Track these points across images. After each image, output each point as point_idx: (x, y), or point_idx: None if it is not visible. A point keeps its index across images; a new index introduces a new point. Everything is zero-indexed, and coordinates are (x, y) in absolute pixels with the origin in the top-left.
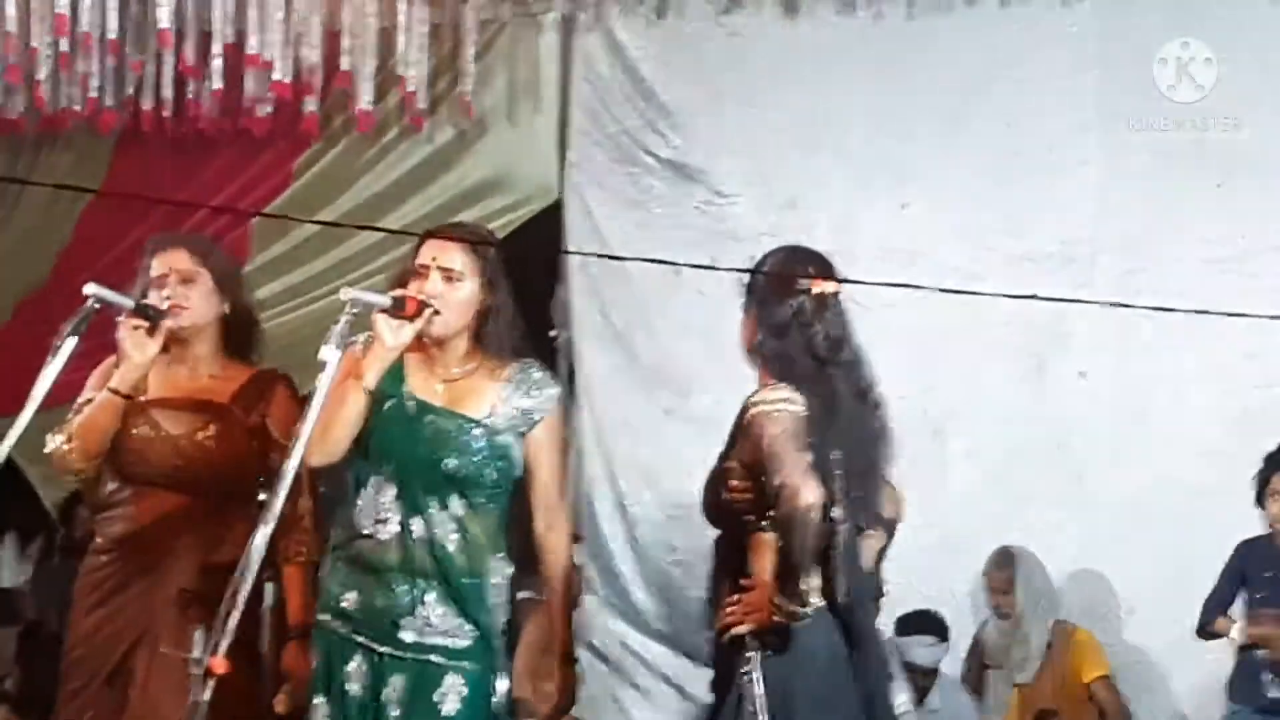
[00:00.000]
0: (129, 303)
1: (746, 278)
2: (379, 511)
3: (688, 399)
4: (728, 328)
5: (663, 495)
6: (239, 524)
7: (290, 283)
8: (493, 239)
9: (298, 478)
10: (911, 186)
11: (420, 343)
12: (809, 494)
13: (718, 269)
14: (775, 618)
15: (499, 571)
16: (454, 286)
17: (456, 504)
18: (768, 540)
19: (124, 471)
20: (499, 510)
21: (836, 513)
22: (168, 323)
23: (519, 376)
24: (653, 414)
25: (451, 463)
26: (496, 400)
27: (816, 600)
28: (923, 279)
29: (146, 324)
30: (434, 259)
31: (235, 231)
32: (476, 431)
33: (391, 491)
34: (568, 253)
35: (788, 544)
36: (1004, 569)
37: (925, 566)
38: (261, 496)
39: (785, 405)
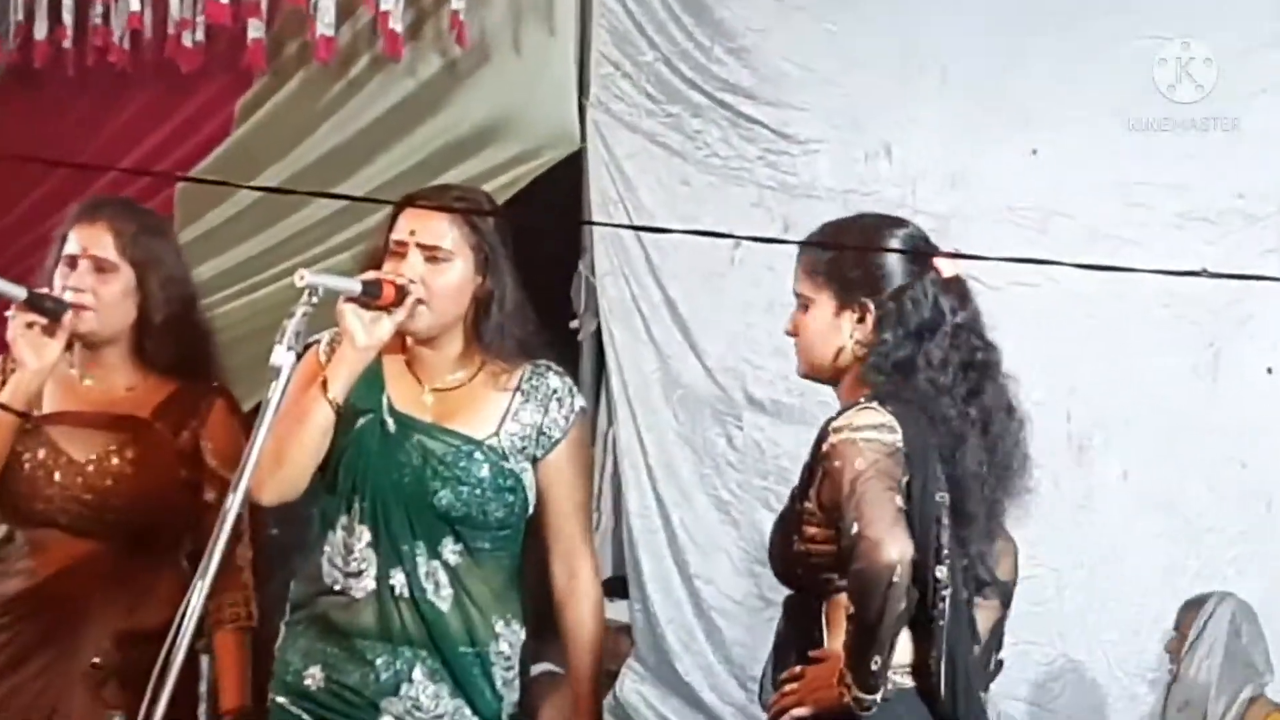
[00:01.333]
0: (19, 293)
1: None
2: (350, 561)
3: (754, 410)
4: None
5: (726, 536)
6: (166, 578)
7: (227, 264)
8: (491, 205)
9: (239, 518)
10: (1040, 128)
11: (401, 342)
12: (892, 549)
13: (790, 241)
14: (845, 700)
15: (508, 638)
16: (440, 268)
17: (451, 551)
18: (846, 605)
19: (16, 511)
20: (508, 558)
21: (940, 572)
22: (72, 323)
23: (531, 383)
24: (709, 429)
25: (445, 497)
26: (502, 415)
27: (902, 680)
28: (1059, 249)
29: (45, 319)
30: (413, 233)
31: (158, 196)
32: (477, 456)
33: (366, 535)
34: (590, 223)
35: (860, 611)
36: (1186, 622)
37: (1068, 620)
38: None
39: (876, 434)
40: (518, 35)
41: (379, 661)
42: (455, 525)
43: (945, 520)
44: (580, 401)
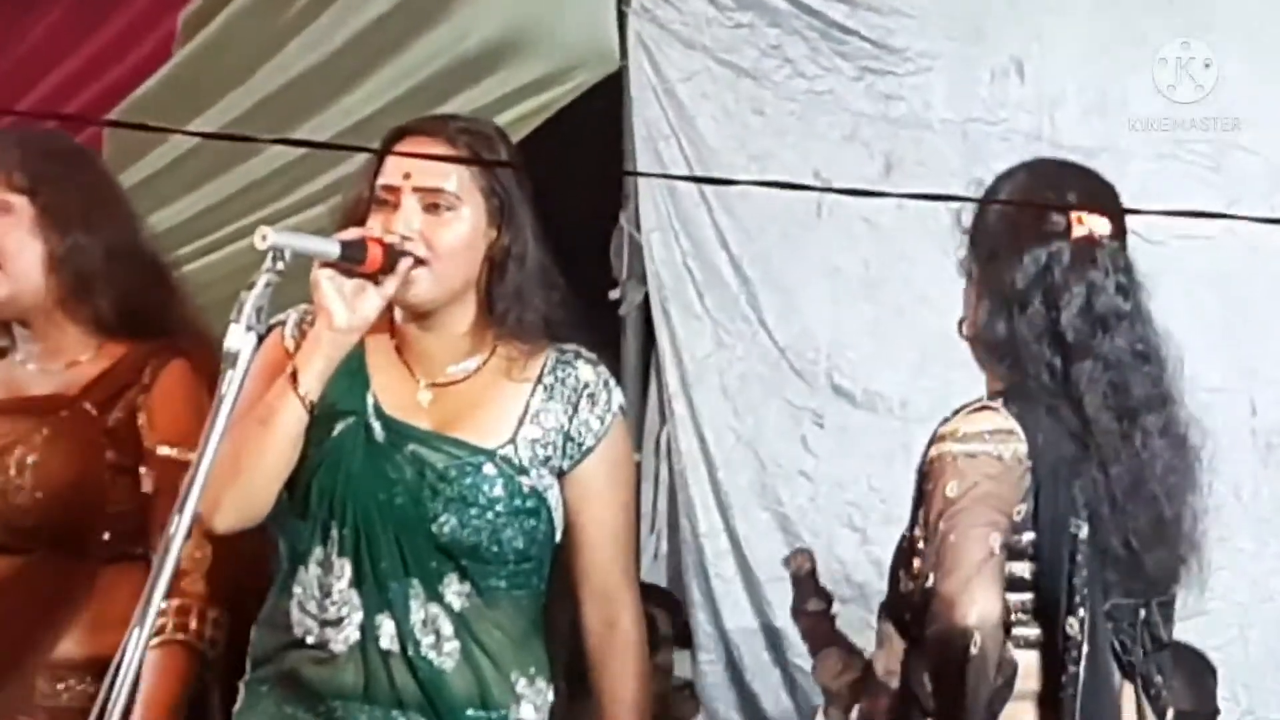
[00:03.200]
0: None
1: (951, 208)
2: (327, 606)
3: (842, 403)
4: (920, 285)
5: (825, 571)
6: (99, 595)
7: (171, 219)
8: (505, 141)
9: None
10: (1218, 33)
11: (389, 321)
12: (970, 609)
13: (891, 194)
14: None
15: (532, 700)
16: (444, 218)
17: (456, 592)
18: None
19: None
20: (528, 597)
21: (1072, 627)
22: None
23: (555, 375)
24: (792, 426)
25: (448, 524)
26: (520, 416)
27: None
28: (1239, 193)
29: None
30: (408, 175)
31: (81, 134)
32: (488, 470)
33: (347, 572)
34: (633, 173)
35: (938, 686)
36: None
37: (1254, 670)
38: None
39: (984, 444)
40: None
41: None
42: (461, 560)
43: (1081, 558)
44: (618, 398)
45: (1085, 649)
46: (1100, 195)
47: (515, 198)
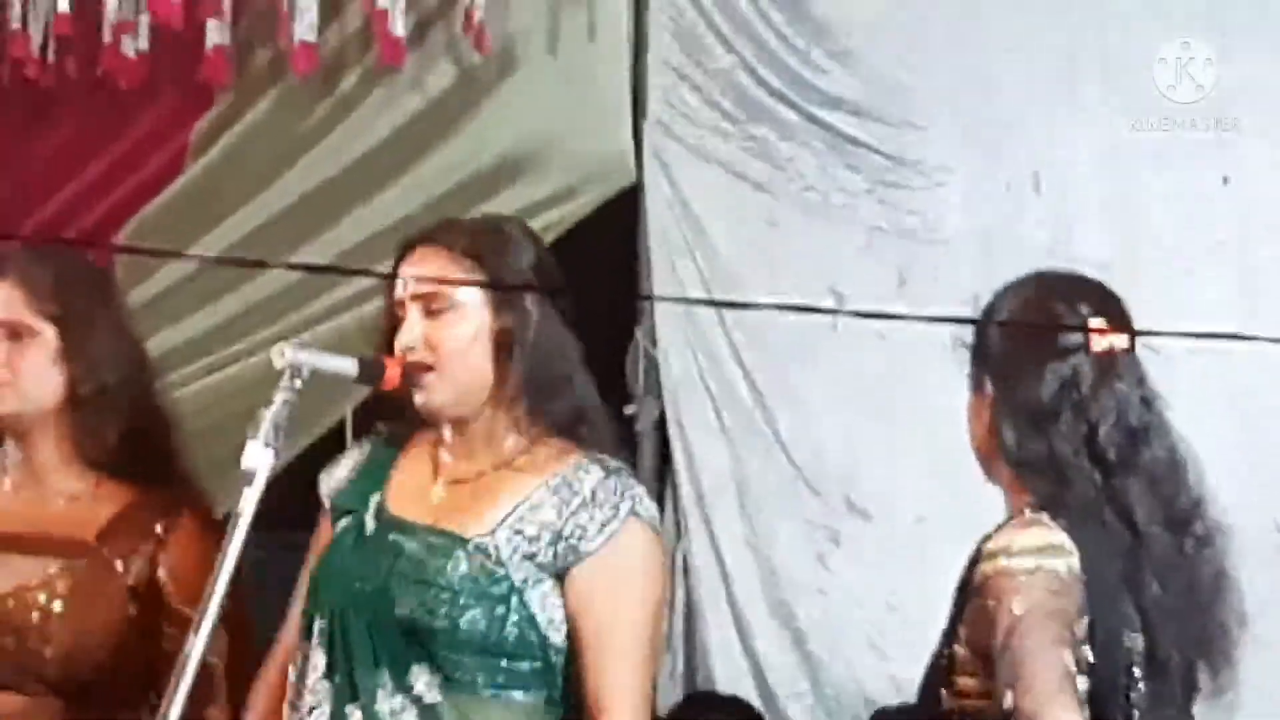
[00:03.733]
0: None
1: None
2: (305, 696)
3: (858, 520)
4: (934, 400)
5: (807, 683)
6: None
7: (183, 335)
8: (526, 231)
9: (210, 672)
10: (1236, 149)
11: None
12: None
13: (907, 318)
14: None
15: None
16: (444, 321)
17: (425, 683)
18: None
19: None
20: (531, 708)
21: None
22: None
23: (568, 475)
24: (811, 547)
25: (407, 604)
26: (511, 509)
27: None
28: (1260, 308)
29: None
30: (406, 285)
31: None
32: (457, 554)
33: (321, 663)
34: (650, 298)
35: None
36: None
37: None
38: None
39: (1041, 559)
40: (553, 37)
41: None
42: (427, 645)
43: (1139, 671)
44: (630, 505)
45: None
46: (1112, 307)
47: (519, 276)
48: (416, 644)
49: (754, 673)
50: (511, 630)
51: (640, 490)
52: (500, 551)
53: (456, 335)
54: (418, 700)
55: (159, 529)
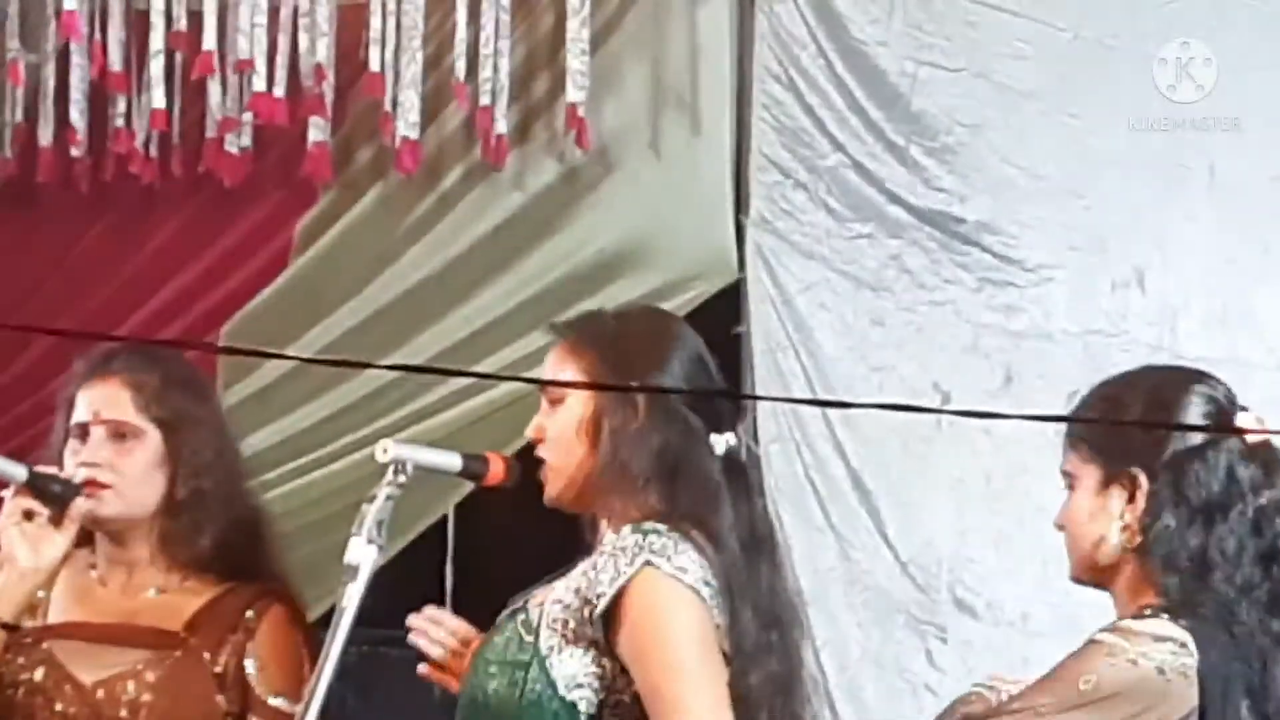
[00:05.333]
0: (18, 472)
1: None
2: None
3: (965, 617)
4: (1041, 497)
5: None
6: None
7: (284, 432)
8: (663, 324)
9: None
10: None
11: None
12: None
13: (1014, 416)
14: None
15: None
16: (555, 413)
17: None
18: None
19: None
20: None
21: None
22: (82, 506)
23: (614, 543)
24: (916, 640)
25: (468, 684)
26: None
27: None
28: None
29: (49, 508)
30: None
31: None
32: (508, 628)
33: None
34: (753, 397)
35: None
36: None
37: None
38: None
39: (1147, 649)
40: (655, 134)
41: None
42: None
43: None
44: (645, 558)
45: None
46: (1232, 399)
47: (634, 373)
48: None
49: None
50: (531, 694)
51: (670, 547)
52: (534, 620)
53: (562, 426)
54: None
55: (247, 618)
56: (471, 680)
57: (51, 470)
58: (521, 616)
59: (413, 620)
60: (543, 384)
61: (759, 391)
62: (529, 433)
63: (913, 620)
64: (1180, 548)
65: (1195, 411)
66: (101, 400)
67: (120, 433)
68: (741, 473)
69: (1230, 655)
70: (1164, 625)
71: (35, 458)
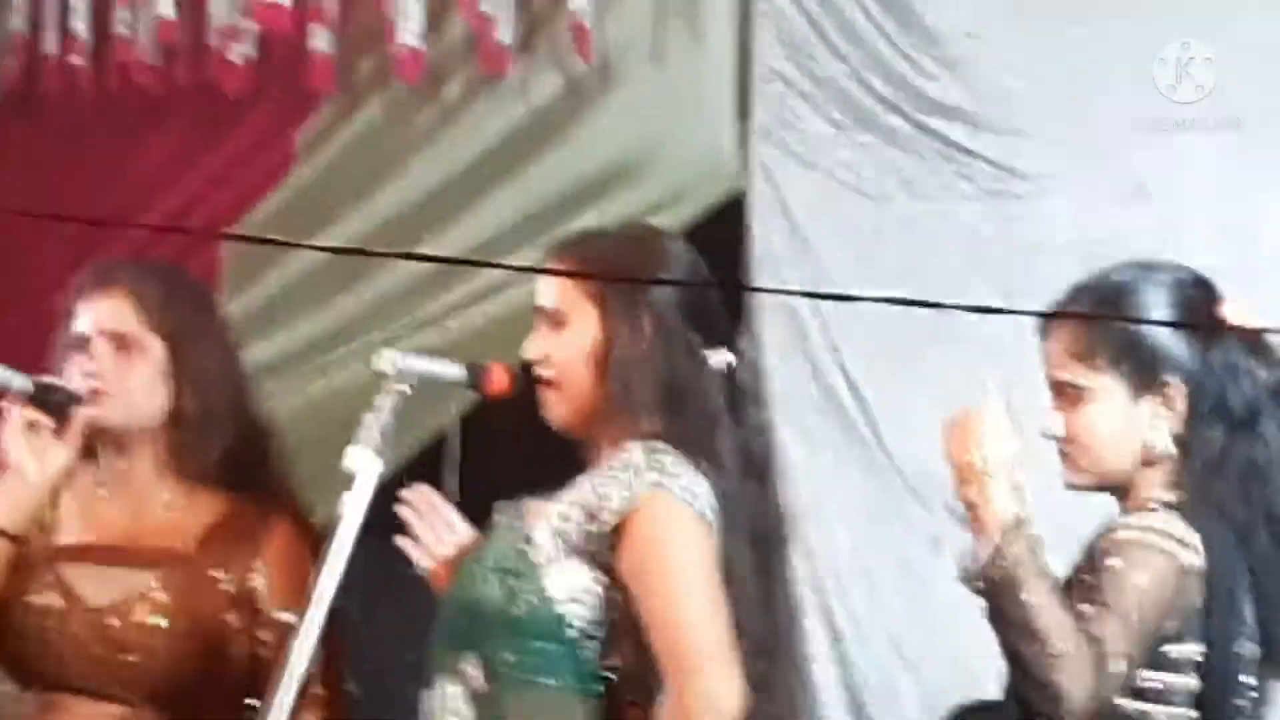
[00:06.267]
0: (22, 383)
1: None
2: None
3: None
4: (1041, 408)
5: (903, 684)
6: None
7: (289, 343)
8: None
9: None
10: None
11: None
12: (1075, 683)
13: (1021, 312)
14: None
15: None
16: (559, 337)
17: (473, 669)
18: None
19: (20, 670)
20: (559, 693)
21: None
22: (88, 415)
23: (615, 457)
24: (912, 550)
25: (454, 585)
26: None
27: None
28: None
29: (52, 418)
30: (536, 296)
31: (199, 257)
32: (504, 536)
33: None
34: (755, 288)
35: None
36: None
37: None
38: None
39: (1165, 544)
40: (657, 45)
41: None
42: (471, 627)
43: (1246, 679)
44: (655, 478)
45: None
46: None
47: (635, 301)
48: (470, 628)
49: (843, 680)
50: (525, 605)
51: (679, 470)
52: (534, 531)
53: (569, 351)
54: (467, 686)
55: (255, 536)
56: (465, 585)
57: (54, 380)
58: (520, 527)
59: (407, 495)
60: (552, 274)
61: (764, 308)
62: (531, 354)
63: (906, 529)
64: (1207, 453)
65: (1192, 309)
66: (103, 312)
67: (122, 344)
68: (740, 393)
69: (1238, 560)
70: (1178, 525)
71: (39, 370)
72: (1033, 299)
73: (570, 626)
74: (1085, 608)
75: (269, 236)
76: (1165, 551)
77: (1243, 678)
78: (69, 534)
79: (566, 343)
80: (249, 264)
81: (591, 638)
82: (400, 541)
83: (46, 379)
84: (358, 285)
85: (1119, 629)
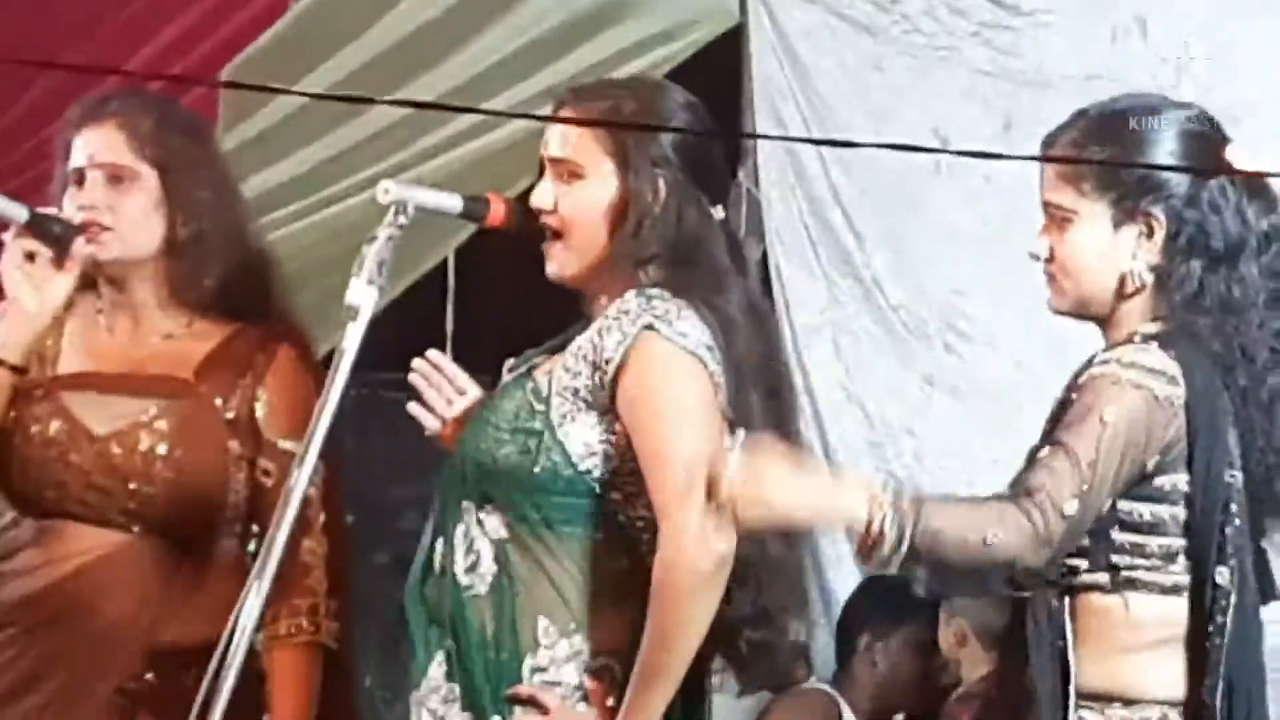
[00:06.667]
0: (19, 213)
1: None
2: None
3: (963, 363)
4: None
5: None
6: (215, 580)
7: (286, 174)
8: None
9: (307, 503)
10: None
11: None
12: (1010, 544)
13: (1011, 157)
14: None
15: (557, 651)
16: (574, 188)
17: (497, 519)
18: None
19: (22, 498)
20: (573, 541)
21: (1221, 576)
22: (83, 250)
23: (616, 306)
24: (906, 385)
25: (470, 441)
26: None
27: None
28: None
29: (51, 249)
30: (546, 145)
31: (194, 92)
32: (516, 393)
33: (436, 502)
34: (752, 136)
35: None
36: None
37: None
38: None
39: (1150, 379)
40: None
41: (415, 641)
42: (492, 481)
43: (1235, 508)
44: (647, 321)
45: (1234, 599)
46: (1222, 131)
47: (642, 151)
48: (490, 481)
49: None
50: (545, 464)
51: (670, 311)
52: (544, 388)
53: (584, 204)
54: (489, 534)
55: (256, 362)
56: (477, 443)
57: (52, 211)
58: (530, 384)
59: (416, 364)
60: (555, 121)
61: (763, 151)
62: (541, 202)
63: (900, 365)
64: (1187, 285)
65: (1190, 146)
66: (96, 144)
67: (116, 175)
68: (739, 251)
69: (1220, 389)
70: (1156, 356)
71: (36, 202)
72: (1032, 131)
73: (592, 480)
74: (1043, 451)
75: (262, 76)
76: (1140, 385)
77: (1233, 506)
78: (71, 364)
79: (581, 194)
80: (243, 101)
81: (614, 488)
82: (412, 408)
83: (44, 210)
84: (350, 122)
85: (1070, 469)
